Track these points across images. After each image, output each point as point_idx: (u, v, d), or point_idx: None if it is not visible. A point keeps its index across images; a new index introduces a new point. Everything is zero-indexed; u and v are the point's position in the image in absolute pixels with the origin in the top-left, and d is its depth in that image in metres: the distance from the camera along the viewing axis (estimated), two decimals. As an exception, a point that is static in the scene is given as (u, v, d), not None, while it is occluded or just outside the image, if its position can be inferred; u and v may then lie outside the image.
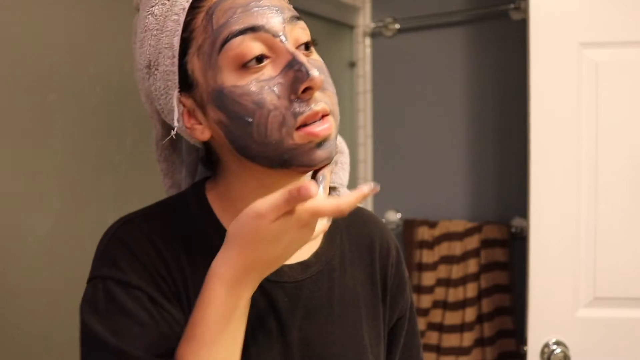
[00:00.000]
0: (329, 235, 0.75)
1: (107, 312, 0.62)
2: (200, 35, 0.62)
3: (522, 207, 1.64)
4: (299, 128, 0.61)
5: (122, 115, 1.23)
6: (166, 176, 0.79)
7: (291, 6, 0.66)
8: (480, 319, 1.80)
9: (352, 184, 0.80)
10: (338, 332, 0.71)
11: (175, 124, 0.65)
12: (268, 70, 0.61)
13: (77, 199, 1.16)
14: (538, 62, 1.48)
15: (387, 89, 2.06)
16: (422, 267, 1.89)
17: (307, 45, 0.65)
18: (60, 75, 1.13)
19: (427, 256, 1.89)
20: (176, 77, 0.64)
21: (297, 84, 0.60)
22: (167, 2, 0.64)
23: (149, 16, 0.65)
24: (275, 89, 0.60)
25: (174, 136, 0.68)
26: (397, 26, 2.01)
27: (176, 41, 0.63)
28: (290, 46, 0.62)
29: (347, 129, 2.08)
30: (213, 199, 0.72)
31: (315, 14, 1.85)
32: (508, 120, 1.85)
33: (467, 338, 1.80)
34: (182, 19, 0.63)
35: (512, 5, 1.80)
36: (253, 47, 0.61)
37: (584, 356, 1.46)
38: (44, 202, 1.11)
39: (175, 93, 0.64)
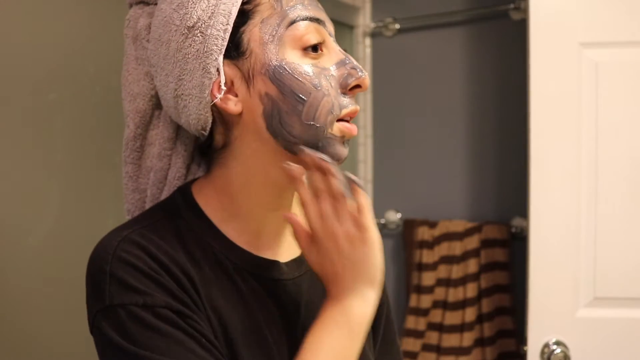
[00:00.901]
0: None
1: (144, 339, 0.59)
2: (266, 10, 0.66)
3: (522, 207, 1.64)
4: (338, 120, 0.67)
5: (122, 115, 1.23)
6: (130, 179, 0.77)
7: None
8: (480, 319, 1.80)
9: (352, 184, 0.81)
10: None
11: (223, 87, 0.66)
12: (323, 61, 0.67)
13: (77, 199, 1.16)
14: (538, 62, 1.48)
15: (387, 89, 2.06)
16: (422, 267, 1.89)
17: None
18: (60, 75, 1.13)
19: (427, 256, 1.89)
20: (225, 42, 0.65)
21: (349, 79, 0.67)
22: None
23: None
24: (329, 78, 0.66)
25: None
26: (397, 26, 2.01)
27: (234, 10, 0.66)
28: (340, 48, 0.69)
29: (347, 129, 2.07)
30: (204, 199, 0.71)
31: (315, 14, 1.85)
32: (508, 120, 1.85)
33: (467, 338, 1.79)
34: None
35: (512, 5, 1.80)
36: (315, 35, 0.66)
37: (584, 356, 1.46)
38: (44, 202, 1.11)
39: (221, 57, 0.66)
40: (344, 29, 2.06)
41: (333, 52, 0.68)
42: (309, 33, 0.66)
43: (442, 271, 1.86)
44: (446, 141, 1.96)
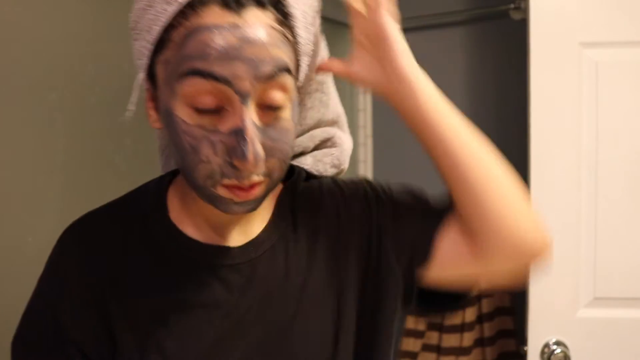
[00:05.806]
0: (278, 210, 0.74)
1: (29, 327, 0.76)
2: (171, 50, 0.58)
3: (522, 207, 1.63)
4: (224, 185, 0.60)
5: (122, 115, 1.23)
6: (159, 139, 0.80)
7: (281, 54, 0.59)
8: (480, 319, 1.80)
9: (352, 184, 0.81)
10: (301, 305, 0.70)
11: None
12: (222, 122, 0.58)
13: (77, 199, 1.16)
14: (538, 62, 1.48)
15: (387, 89, 2.06)
16: (422, 267, 1.89)
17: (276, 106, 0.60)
18: (61, 75, 1.13)
19: (427, 256, 1.88)
20: (146, 61, 0.61)
21: (232, 155, 0.58)
22: None
23: None
24: (215, 144, 0.58)
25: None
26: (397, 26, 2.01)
27: (156, 31, 0.58)
28: (247, 111, 0.57)
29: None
30: (174, 195, 0.72)
31: (315, 14, 1.85)
32: (508, 120, 1.85)
33: (467, 338, 1.79)
34: (170, 10, 0.57)
35: (512, 5, 1.80)
36: (206, 98, 0.57)
37: (584, 356, 1.46)
38: (44, 202, 1.11)
39: (140, 75, 0.63)
40: (344, 28, 2.06)
41: (237, 114, 0.57)
42: (199, 95, 0.56)
43: (442, 271, 1.86)
44: (446, 141, 1.96)
